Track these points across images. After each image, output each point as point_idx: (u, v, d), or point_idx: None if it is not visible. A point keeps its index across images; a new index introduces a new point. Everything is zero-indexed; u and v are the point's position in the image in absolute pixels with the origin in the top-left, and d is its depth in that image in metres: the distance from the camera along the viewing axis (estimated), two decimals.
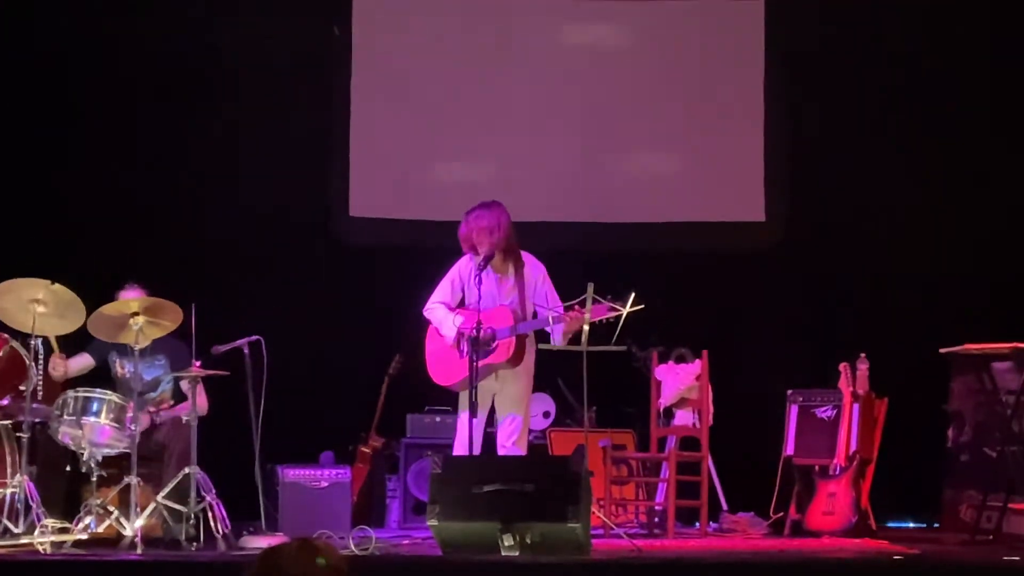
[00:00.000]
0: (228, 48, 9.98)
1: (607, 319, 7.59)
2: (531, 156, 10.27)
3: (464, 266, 7.99)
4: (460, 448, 7.78)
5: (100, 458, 7.46)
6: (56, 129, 9.86)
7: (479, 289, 7.69)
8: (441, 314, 7.95)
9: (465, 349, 7.71)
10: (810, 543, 8.28)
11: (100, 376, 8.10)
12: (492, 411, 8.03)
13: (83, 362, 8.11)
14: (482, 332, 7.62)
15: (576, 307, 7.65)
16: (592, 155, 10.31)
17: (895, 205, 10.02)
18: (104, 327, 7.58)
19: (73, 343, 7.94)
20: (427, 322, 8.08)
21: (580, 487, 6.90)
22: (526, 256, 8.00)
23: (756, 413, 9.31)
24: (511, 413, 7.89)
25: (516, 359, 7.81)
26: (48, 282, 7.46)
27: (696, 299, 9.93)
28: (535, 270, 7.96)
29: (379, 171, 10.34)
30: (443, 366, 7.96)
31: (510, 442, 7.85)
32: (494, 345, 7.75)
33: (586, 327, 7.66)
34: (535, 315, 7.87)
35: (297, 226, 10.15)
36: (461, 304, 8.00)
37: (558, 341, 7.81)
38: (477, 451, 7.72)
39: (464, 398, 7.79)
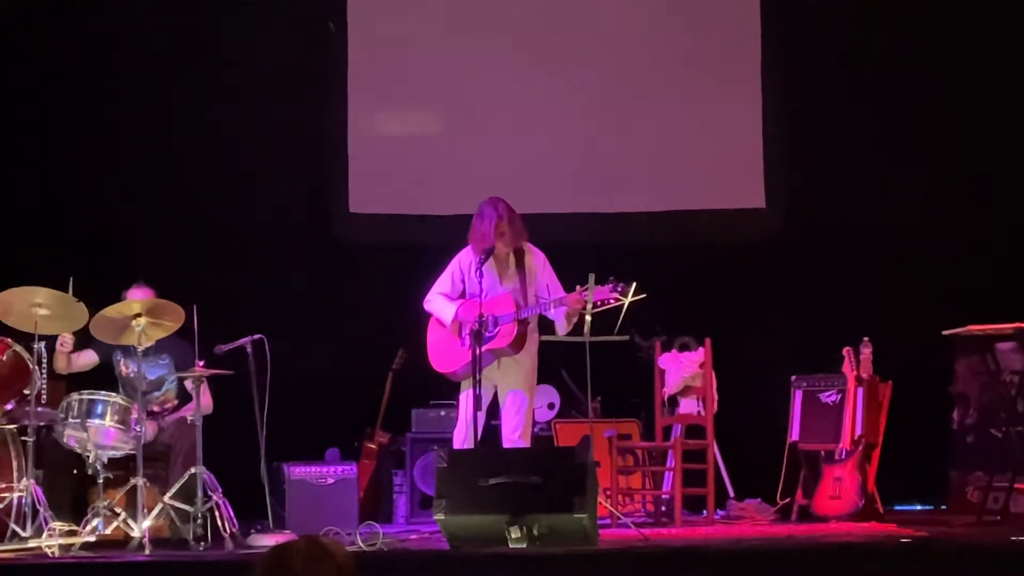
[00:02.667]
0: (225, 46, 9.97)
1: (607, 302, 7.59)
2: (529, 148, 10.26)
3: (464, 258, 8.01)
4: (462, 426, 7.79)
5: (106, 460, 7.47)
6: (55, 130, 9.87)
7: (480, 282, 7.71)
8: (440, 303, 7.97)
9: (466, 336, 7.72)
10: (817, 528, 8.28)
11: (104, 375, 8.11)
12: (494, 406, 8.02)
13: (88, 358, 8.11)
14: (484, 321, 7.64)
15: (577, 289, 7.65)
16: (591, 146, 10.29)
17: (896, 188, 10.01)
18: (106, 329, 7.58)
19: (77, 342, 7.94)
20: (428, 314, 8.09)
21: (586, 478, 6.90)
22: (527, 245, 8.01)
23: (760, 399, 9.31)
24: (515, 390, 7.86)
25: (517, 344, 7.81)
26: (75, 299, 7.46)
27: (698, 287, 9.92)
28: (536, 258, 7.97)
29: (378, 167, 10.33)
30: (444, 354, 7.97)
31: (516, 434, 7.84)
32: (495, 330, 7.75)
33: (588, 317, 7.66)
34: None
35: (297, 223, 10.15)
36: (462, 297, 8.01)
37: (561, 325, 7.80)
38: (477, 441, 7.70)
39: (467, 382, 7.79)
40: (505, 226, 7.87)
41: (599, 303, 7.59)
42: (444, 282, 8.05)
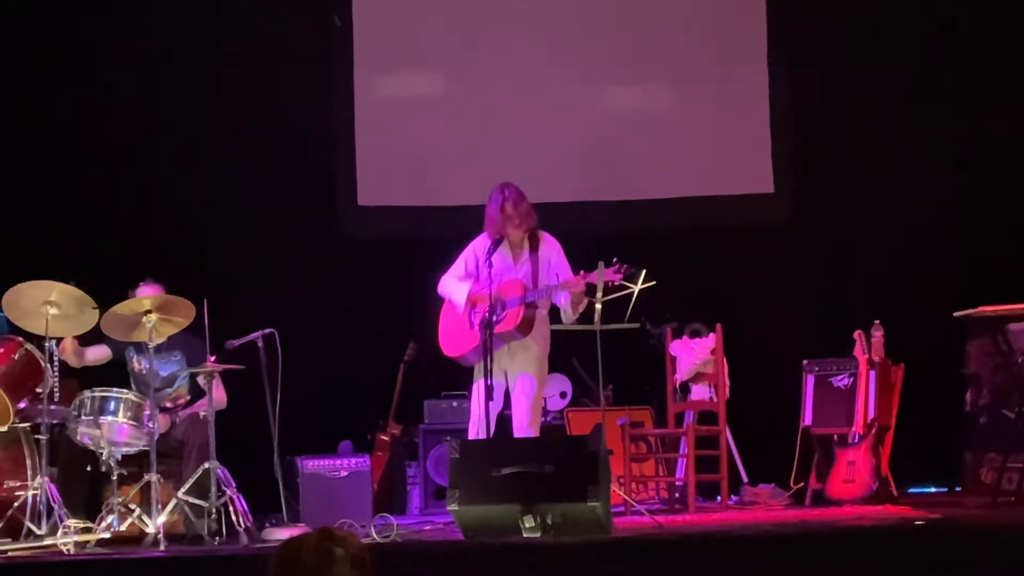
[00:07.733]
0: (230, 40, 9.97)
1: (613, 282, 7.59)
2: (538, 137, 10.25)
3: (479, 245, 8.03)
4: (475, 417, 7.80)
5: (119, 457, 7.49)
6: (64, 128, 9.87)
7: (490, 271, 7.72)
8: (452, 285, 7.99)
9: (476, 320, 7.73)
10: (832, 512, 8.28)
11: (117, 371, 8.12)
12: (508, 397, 8.02)
13: (101, 352, 8.12)
14: (494, 308, 7.64)
15: (580, 273, 7.66)
16: (600, 134, 10.29)
17: (904, 170, 9.98)
18: (118, 326, 7.59)
19: (90, 336, 7.95)
20: (442, 301, 8.09)
21: (599, 466, 6.90)
22: (542, 233, 8.03)
23: (772, 384, 9.30)
24: (524, 374, 7.85)
25: (524, 328, 7.79)
26: (73, 287, 7.45)
27: (708, 273, 9.92)
28: (551, 247, 7.98)
29: (386, 159, 10.33)
30: (453, 337, 7.98)
31: (524, 423, 7.83)
32: (503, 314, 7.75)
33: (598, 305, 7.66)
34: None
35: (306, 216, 10.15)
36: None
37: (567, 312, 7.78)
38: (491, 432, 7.71)
39: (479, 369, 7.79)
40: (511, 207, 7.89)
41: (609, 284, 7.58)
42: (458, 267, 8.07)
